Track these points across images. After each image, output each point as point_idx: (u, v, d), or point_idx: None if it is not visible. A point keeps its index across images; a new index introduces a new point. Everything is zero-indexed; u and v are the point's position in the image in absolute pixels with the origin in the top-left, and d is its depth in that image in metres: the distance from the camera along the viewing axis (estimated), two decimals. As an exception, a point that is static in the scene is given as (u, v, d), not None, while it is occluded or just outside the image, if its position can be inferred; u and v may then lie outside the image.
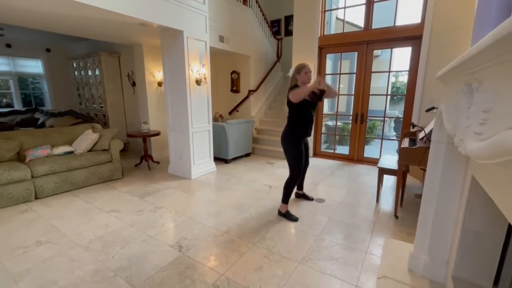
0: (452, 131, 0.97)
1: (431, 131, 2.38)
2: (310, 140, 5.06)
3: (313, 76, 4.81)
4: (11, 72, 6.13)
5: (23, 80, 6.49)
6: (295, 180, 2.66)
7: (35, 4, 2.55)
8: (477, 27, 0.88)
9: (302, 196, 3.12)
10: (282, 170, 4.30)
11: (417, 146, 2.47)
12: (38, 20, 3.09)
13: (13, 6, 2.60)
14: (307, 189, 3.33)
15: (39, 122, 5.65)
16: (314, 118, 2.69)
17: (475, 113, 0.64)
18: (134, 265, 1.92)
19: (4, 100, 6.40)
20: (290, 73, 2.65)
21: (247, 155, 5.26)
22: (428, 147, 2.22)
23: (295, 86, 2.53)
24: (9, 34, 5.19)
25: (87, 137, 3.72)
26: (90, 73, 5.67)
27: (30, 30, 3.82)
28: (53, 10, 2.71)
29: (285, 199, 2.69)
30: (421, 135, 2.79)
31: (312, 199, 3.09)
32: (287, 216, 2.66)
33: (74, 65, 6.11)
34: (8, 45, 5.85)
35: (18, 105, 6.39)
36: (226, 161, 4.76)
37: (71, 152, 3.54)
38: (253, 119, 5.39)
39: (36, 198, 3.08)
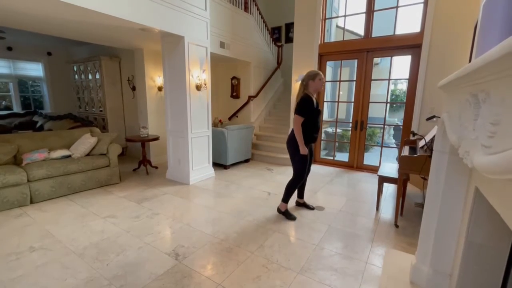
0: (456, 142, 0.95)
1: (431, 139, 2.37)
2: (310, 146, 5.05)
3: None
4: (11, 75, 6.13)
5: (23, 83, 6.49)
6: (298, 182, 2.72)
7: (37, 8, 2.55)
8: (481, 37, 0.87)
9: (303, 205, 3.07)
10: (281, 177, 4.27)
11: (418, 154, 2.45)
12: (39, 23, 3.10)
13: (15, 10, 2.60)
14: (306, 196, 3.29)
15: (38, 125, 5.62)
16: (320, 125, 2.72)
17: (483, 125, 0.63)
18: (129, 273, 1.88)
19: (3, 102, 6.38)
20: (299, 79, 2.66)
21: (246, 161, 5.23)
22: (429, 156, 2.21)
23: (305, 97, 2.55)
24: (11, 37, 5.20)
25: (85, 141, 3.69)
26: (90, 76, 5.67)
27: (31, 33, 3.84)
28: (54, 14, 2.72)
29: (286, 199, 2.77)
30: (421, 143, 2.78)
31: (312, 208, 3.03)
32: (286, 214, 2.74)
33: (75, 68, 6.12)
34: (9, 48, 5.86)
35: (17, 108, 6.37)
36: (225, 166, 4.72)
37: (68, 156, 3.50)
38: (252, 125, 5.38)
39: (31, 202, 3.03)
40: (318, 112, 2.63)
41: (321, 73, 2.61)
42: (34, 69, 6.44)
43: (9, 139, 3.29)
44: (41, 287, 1.73)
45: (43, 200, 3.12)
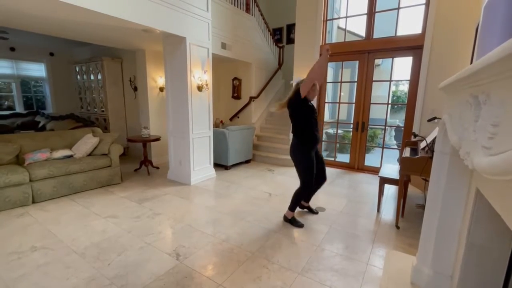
0: (457, 143, 0.95)
1: (432, 141, 2.37)
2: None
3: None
4: (14, 75, 6.16)
5: (25, 83, 6.52)
6: (306, 192, 2.64)
7: (40, 9, 2.57)
8: (482, 39, 0.88)
9: (307, 208, 3.00)
10: (282, 177, 4.27)
11: (419, 156, 2.45)
12: (42, 24, 3.12)
13: (18, 10, 2.62)
14: (307, 197, 3.28)
15: (40, 125, 5.64)
16: (318, 123, 2.63)
17: (483, 127, 0.63)
18: (130, 273, 1.88)
19: (6, 102, 6.41)
20: (295, 82, 2.63)
21: (247, 161, 5.23)
22: (430, 157, 2.21)
23: (296, 95, 2.49)
24: (14, 37, 5.23)
25: (87, 141, 3.71)
26: (92, 77, 5.70)
27: (34, 34, 3.85)
28: (57, 15, 2.74)
29: (292, 207, 2.68)
30: (422, 144, 2.78)
31: (316, 213, 2.94)
32: (293, 222, 2.66)
33: (77, 69, 6.14)
34: (12, 49, 5.89)
35: (19, 108, 6.40)
36: (226, 167, 4.73)
37: (70, 156, 3.52)
38: (253, 126, 5.38)
39: (33, 202, 3.05)
40: (312, 111, 2.53)
41: (316, 83, 2.48)
42: (36, 70, 6.47)
43: (11, 139, 3.31)
44: (43, 286, 1.74)
45: (45, 200, 3.14)
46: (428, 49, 3.67)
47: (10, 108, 6.39)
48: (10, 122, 5.78)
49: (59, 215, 2.78)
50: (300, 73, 4.93)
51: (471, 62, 2.19)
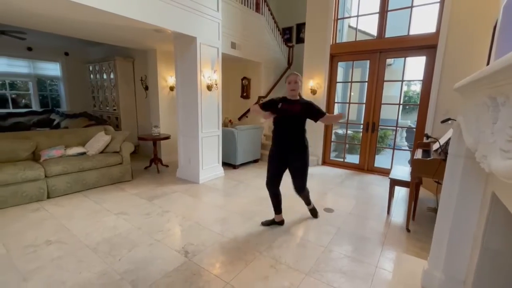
0: (473, 145, 0.93)
1: (446, 142, 2.31)
2: (319, 147, 5.00)
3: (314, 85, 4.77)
4: (30, 74, 6.38)
5: (41, 82, 6.73)
6: (266, 183, 2.60)
7: (55, 10, 2.65)
8: (501, 39, 0.85)
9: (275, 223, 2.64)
10: (289, 178, 4.24)
11: (432, 158, 2.39)
12: (57, 25, 3.21)
13: (34, 11, 2.71)
14: (314, 198, 3.19)
15: (55, 123, 5.82)
16: (293, 135, 2.38)
17: (502, 129, 0.61)
18: (140, 269, 1.92)
19: (23, 100, 6.64)
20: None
21: (255, 161, 5.24)
22: (443, 160, 2.15)
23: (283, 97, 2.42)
24: (31, 38, 5.41)
25: (100, 139, 3.80)
26: (105, 76, 5.83)
27: (50, 34, 3.97)
28: (72, 16, 2.81)
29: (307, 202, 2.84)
30: (435, 146, 2.72)
31: (281, 224, 2.63)
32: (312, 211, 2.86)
33: (90, 68, 6.30)
34: (29, 49, 6.10)
35: (35, 106, 6.62)
36: (234, 166, 4.75)
37: (83, 153, 3.61)
38: (262, 126, 5.38)
39: (48, 197, 3.14)
40: (281, 112, 2.33)
41: (291, 75, 2.35)
42: (52, 69, 6.67)
43: (28, 136, 3.43)
44: (57, 279, 1.79)
45: (59, 196, 3.23)
46: (442, 48, 3.58)
47: (27, 106, 6.62)
48: (27, 120, 5.99)
49: (72, 211, 2.86)
50: (309, 73, 4.90)
51: (488, 63, 2.13)
